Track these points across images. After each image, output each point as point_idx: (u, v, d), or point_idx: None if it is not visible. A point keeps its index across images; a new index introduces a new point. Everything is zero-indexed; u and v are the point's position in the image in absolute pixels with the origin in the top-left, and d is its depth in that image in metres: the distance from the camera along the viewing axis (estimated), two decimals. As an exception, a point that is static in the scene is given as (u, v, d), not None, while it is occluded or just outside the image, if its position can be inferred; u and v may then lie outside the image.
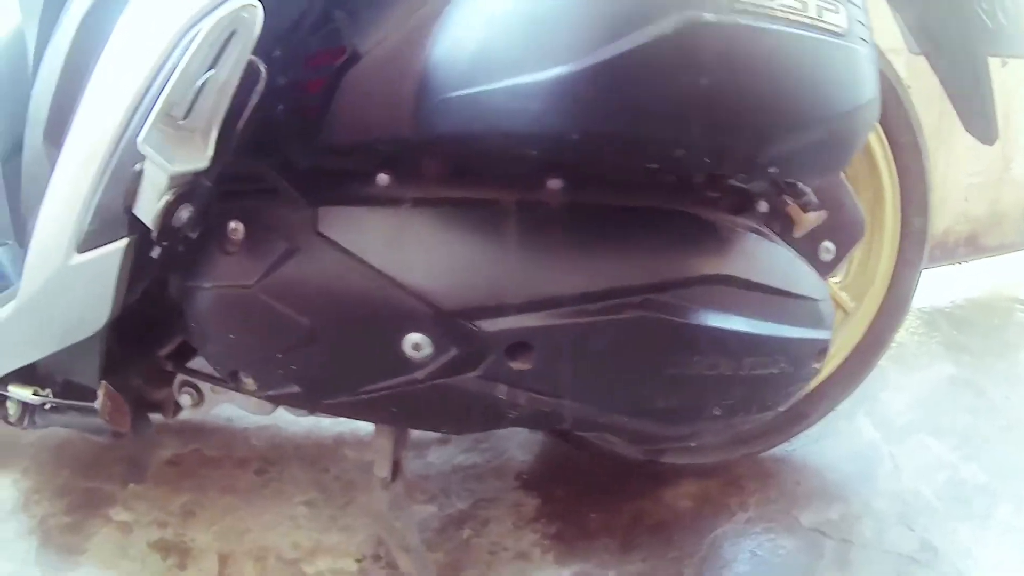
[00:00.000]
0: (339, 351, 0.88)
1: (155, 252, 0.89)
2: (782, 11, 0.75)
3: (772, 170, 0.84)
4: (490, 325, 0.82)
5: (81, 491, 1.35)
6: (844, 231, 1.12)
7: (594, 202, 0.86)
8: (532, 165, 0.83)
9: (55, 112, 0.96)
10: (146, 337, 1.08)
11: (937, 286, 2.21)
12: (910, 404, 1.66)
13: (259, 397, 1.01)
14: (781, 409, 1.00)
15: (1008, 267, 2.34)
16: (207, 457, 1.42)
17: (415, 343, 0.84)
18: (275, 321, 0.88)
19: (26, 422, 1.13)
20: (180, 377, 1.11)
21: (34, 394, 1.09)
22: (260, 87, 0.80)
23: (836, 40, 0.80)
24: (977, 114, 1.20)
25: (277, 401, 1.01)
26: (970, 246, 2.20)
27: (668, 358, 0.85)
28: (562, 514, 1.29)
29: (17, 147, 1.10)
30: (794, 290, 0.93)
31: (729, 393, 0.91)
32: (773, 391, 0.95)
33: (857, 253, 1.37)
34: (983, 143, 1.25)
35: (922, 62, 1.19)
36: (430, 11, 0.82)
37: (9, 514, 1.30)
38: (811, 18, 0.77)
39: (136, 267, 0.90)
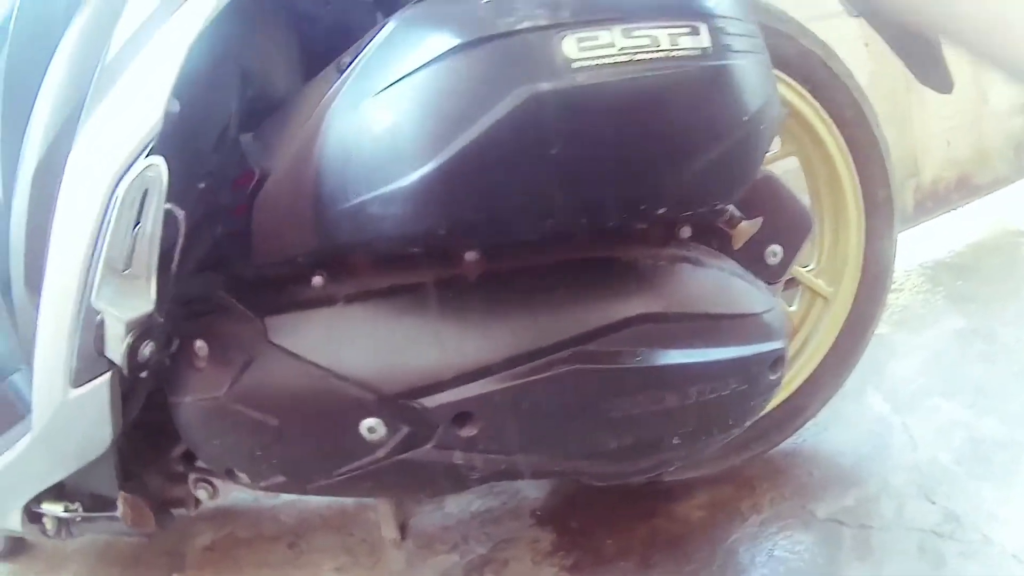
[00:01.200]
0: (307, 443, 0.93)
1: (143, 373, 0.94)
2: (628, 55, 0.75)
3: (662, 211, 0.84)
4: (431, 401, 0.85)
5: None
6: (789, 231, 1.09)
7: (511, 267, 0.88)
8: (441, 248, 0.86)
9: (29, 262, 1.01)
10: (156, 443, 1.13)
11: (936, 238, 2.13)
12: (919, 368, 1.61)
13: (254, 489, 1.05)
14: (747, 425, 1.00)
15: (1005, 202, 2.25)
16: (240, 538, 1.46)
17: (370, 427, 0.87)
18: (247, 424, 0.92)
19: (63, 534, 1.20)
20: (193, 475, 1.15)
21: (65, 510, 1.15)
22: (182, 230, 0.85)
23: (700, 64, 0.78)
24: (928, 66, 1.18)
25: (271, 490, 1.05)
26: (962, 189, 2.14)
27: (608, 403, 0.87)
28: (578, 544, 1.30)
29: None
30: (732, 310, 0.93)
31: (684, 422, 0.92)
32: (733, 410, 0.96)
33: (825, 237, 1.35)
34: (941, 92, 1.23)
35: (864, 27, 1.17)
36: (311, 128, 0.85)
37: None
38: (664, 50, 0.77)
39: (130, 389, 0.96)
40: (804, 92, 1.24)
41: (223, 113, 0.93)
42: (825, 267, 1.36)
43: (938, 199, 2.08)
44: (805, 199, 1.23)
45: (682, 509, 1.33)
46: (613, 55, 0.75)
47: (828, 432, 1.46)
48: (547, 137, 0.74)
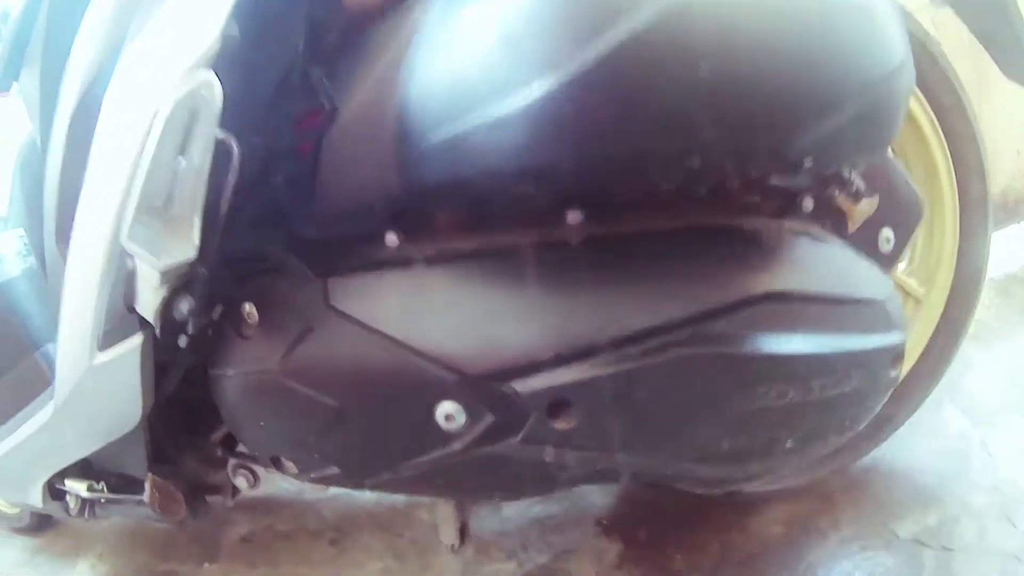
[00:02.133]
0: (370, 429, 0.79)
1: (182, 340, 0.83)
2: None
3: (807, 163, 0.71)
4: (523, 386, 0.71)
5: (157, 573, 1.33)
6: (901, 215, 0.98)
7: (620, 231, 0.74)
8: (546, 199, 0.71)
9: (61, 215, 0.92)
10: (194, 425, 1.03)
11: (1006, 250, 2.03)
12: (996, 383, 1.52)
13: (302, 480, 0.92)
14: (861, 428, 0.87)
15: (1078, 215, 2.14)
16: (280, 532, 1.36)
17: (447, 413, 0.74)
18: (301, 404, 0.79)
19: (86, 515, 1.12)
20: (233, 461, 1.04)
21: (89, 489, 1.07)
22: (235, 165, 0.72)
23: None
24: (1014, 56, 1.09)
25: (320, 483, 0.92)
26: (1033, 200, 2.02)
27: (728, 395, 0.73)
28: (646, 558, 1.19)
29: None
30: (857, 294, 0.81)
31: (801, 422, 0.78)
32: (850, 411, 0.83)
33: (919, 234, 1.22)
34: None
35: (948, 16, 1.09)
36: (395, 53, 0.72)
37: None
38: None
39: (165, 358, 0.85)
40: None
41: (288, 49, 0.80)
42: (918, 266, 1.24)
43: (1008, 210, 1.97)
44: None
45: (758, 524, 1.22)
46: None
47: (906, 445, 1.34)
48: (694, 54, 0.61)
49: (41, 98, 1.02)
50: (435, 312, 0.74)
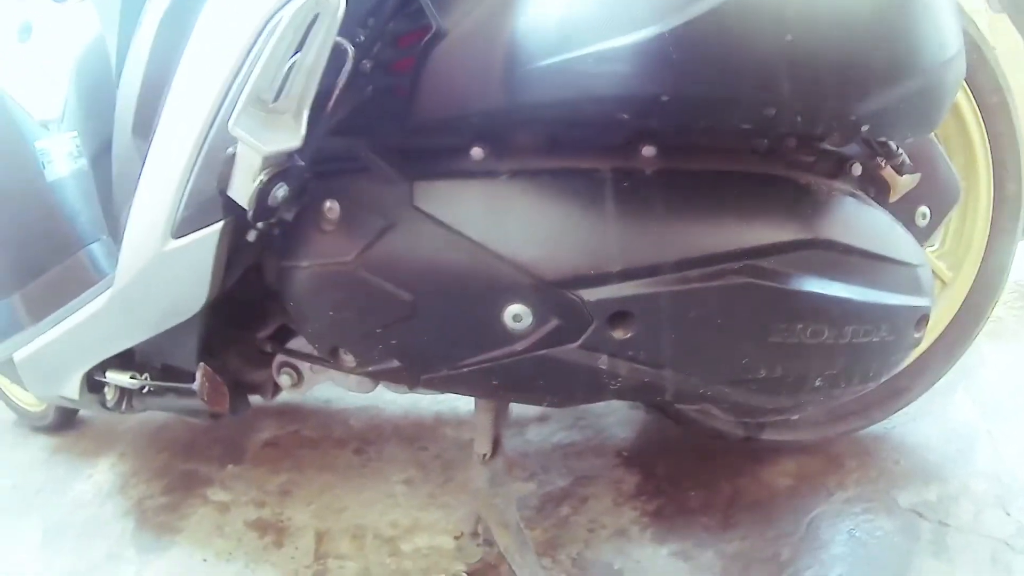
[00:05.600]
0: (440, 324, 0.89)
1: (251, 235, 0.91)
2: None
3: (865, 128, 0.81)
4: (591, 294, 0.81)
5: (178, 473, 1.38)
6: (939, 195, 1.09)
7: (688, 168, 0.84)
8: (625, 133, 0.82)
9: (142, 107, 1.00)
10: (244, 320, 1.10)
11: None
12: (1009, 379, 1.62)
13: (359, 374, 1.02)
14: (881, 380, 0.97)
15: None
16: (305, 438, 1.43)
17: (516, 314, 0.84)
18: (375, 297, 0.88)
19: (124, 407, 1.18)
20: (279, 358, 1.12)
21: (131, 378, 1.13)
22: (348, 68, 0.81)
23: None
24: None
25: (377, 377, 1.02)
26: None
27: (771, 325, 0.83)
28: (662, 491, 1.28)
29: (104, 148, 1.15)
30: (894, 255, 0.90)
31: (831, 362, 0.88)
32: (875, 361, 0.93)
33: (952, 221, 1.34)
34: None
35: (1004, 22, 1.16)
36: None
37: (106, 496, 1.34)
38: None
39: (233, 251, 0.93)
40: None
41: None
42: (948, 251, 1.36)
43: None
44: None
45: (769, 474, 1.32)
46: None
47: (917, 424, 1.45)
48: (783, 20, 0.72)
49: (123, 3, 1.10)
50: (515, 220, 0.84)
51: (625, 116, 0.78)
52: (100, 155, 1.23)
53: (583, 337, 0.83)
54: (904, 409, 1.38)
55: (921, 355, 1.33)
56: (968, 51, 1.20)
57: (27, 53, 1.32)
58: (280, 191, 0.85)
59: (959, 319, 1.35)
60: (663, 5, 0.73)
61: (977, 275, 1.34)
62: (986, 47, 1.24)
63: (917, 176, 1.00)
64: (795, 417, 1.07)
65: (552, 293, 0.82)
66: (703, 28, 0.72)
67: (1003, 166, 1.31)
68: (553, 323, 0.84)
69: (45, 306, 1.17)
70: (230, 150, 0.84)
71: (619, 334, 0.83)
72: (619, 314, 0.82)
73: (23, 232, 1.24)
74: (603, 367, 0.85)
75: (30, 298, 1.22)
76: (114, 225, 1.17)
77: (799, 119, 0.79)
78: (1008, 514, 1.25)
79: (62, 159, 1.25)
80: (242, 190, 0.85)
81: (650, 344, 0.83)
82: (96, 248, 1.23)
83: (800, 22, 0.73)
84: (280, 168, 0.84)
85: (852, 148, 0.94)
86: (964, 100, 1.27)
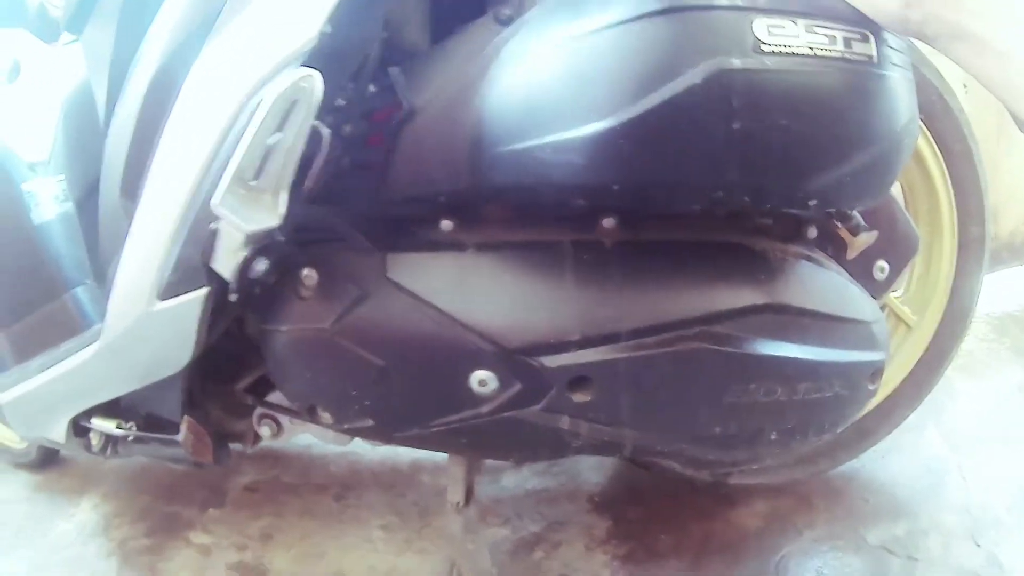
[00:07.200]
0: (410, 388, 0.95)
1: (233, 296, 0.94)
2: (809, 49, 0.79)
3: (812, 203, 0.87)
4: (552, 361, 0.88)
5: (161, 515, 1.41)
6: (897, 248, 1.15)
7: (647, 239, 0.91)
8: (588, 208, 0.89)
9: (130, 168, 1.03)
10: (226, 372, 1.15)
11: (1005, 290, 2.19)
12: (979, 414, 1.67)
13: (335, 431, 1.08)
14: (838, 431, 1.03)
15: (1078, 266, 2.28)
16: (286, 483, 1.47)
17: (481, 379, 0.90)
18: (349, 361, 0.94)
19: (109, 452, 1.20)
20: (260, 410, 1.17)
21: (117, 427, 1.16)
22: (325, 149, 0.87)
23: (867, 70, 0.82)
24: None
25: (352, 434, 1.07)
26: (1038, 246, 2.16)
27: (725, 387, 0.89)
28: (633, 535, 1.33)
29: (90, 192, 1.19)
30: (847, 315, 0.96)
31: (786, 418, 0.94)
32: (829, 414, 0.99)
33: (916, 266, 1.38)
34: None
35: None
36: (477, 69, 0.88)
37: (89, 537, 1.37)
38: (839, 51, 0.80)
39: (216, 310, 0.97)
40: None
41: (365, 46, 0.95)
42: (913, 295, 1.41)
43: (1014, 251, 2.10)
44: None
45: (739, 515, 1.37)
46: (798, 46, 0.78)
47: (886, 460, 1.50)
48: (729, 112, 0.77)
49: (113, 54, 1.11)
50: (481, 291, 0.90)
51: (581, 201, 0.85)
52: (85, 199, 1.25)
53: (545, 400, 0.90)
54: (874, 447, 1.42)
55: (887, 397, 1.38)
56: (933, 101, 1.27)
57: (15, 94, 1.35)
58: (261, 265, 0.89)
59: (924, 361, 1.39)
60: (615, 99, 0.79)
61: (942, 318, 1.39)
62: (951, 96, 1.29)
63: (874, 234, 1.05)
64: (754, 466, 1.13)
65: (515, 360, 0.89)
66: (651, 121, 0.78)
67: (967, 210, 1.35)
68: (516, 387, 0.90)
69: (30, 347, 1.19)
70: (212, 225, 0.89)
71: (579, 397, 0.89)
72: (578, 379, 0.88)
73: (9, 274, 1.25)
74: (565, 427, 0.91)
75: (15, 339, 1.23)
76: (99, 271, 1.19)
77: (746, 199, 0.85)
78: (978, 545, 1.30)
79: (49, 202, 1.27)
80: (225, 264, 0.90)
81: (608, 406, 0.90)
82: (81, 292, 1.24)
83: (744, 113, 0.78)
84: (261, 244, 0.89)
85: (808, 213, 0.99)
86: (927, 148, 1.31)
